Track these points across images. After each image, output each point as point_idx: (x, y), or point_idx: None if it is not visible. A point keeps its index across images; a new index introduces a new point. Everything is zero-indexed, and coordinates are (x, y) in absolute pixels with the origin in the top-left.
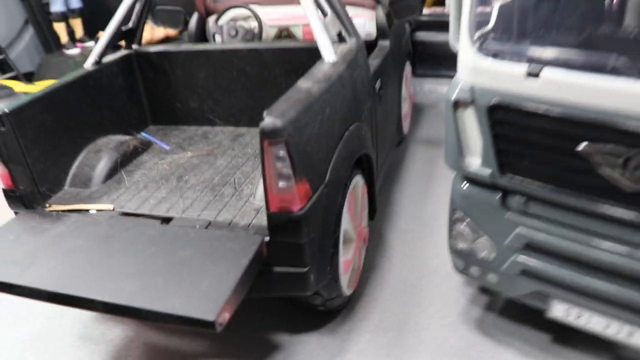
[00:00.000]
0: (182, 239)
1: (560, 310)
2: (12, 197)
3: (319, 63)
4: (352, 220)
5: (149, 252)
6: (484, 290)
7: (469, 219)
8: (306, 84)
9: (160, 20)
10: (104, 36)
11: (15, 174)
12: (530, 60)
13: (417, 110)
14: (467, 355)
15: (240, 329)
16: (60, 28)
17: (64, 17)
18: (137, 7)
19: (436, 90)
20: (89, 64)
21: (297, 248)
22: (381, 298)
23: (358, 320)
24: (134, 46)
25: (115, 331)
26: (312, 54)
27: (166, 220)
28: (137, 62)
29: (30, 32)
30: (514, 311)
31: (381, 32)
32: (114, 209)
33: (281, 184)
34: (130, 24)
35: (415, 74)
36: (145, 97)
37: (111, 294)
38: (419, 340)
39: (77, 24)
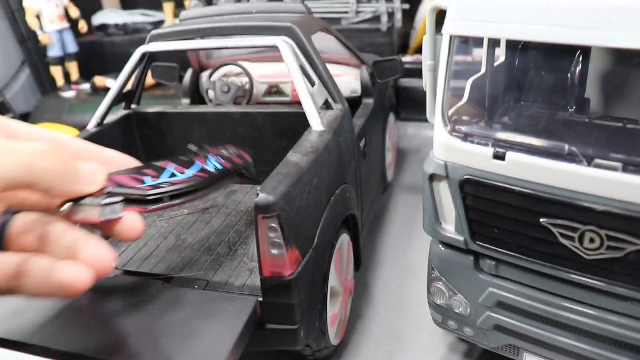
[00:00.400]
0: (182, 299)
1: None
2: None
3: (307, 133)
4: (338, 277)
5: (152, 312)
6: (463, 339)
7: (444, 279)
8: (295, 157)
9: (157, 75)
10: (106, 99)
11: None
12: (497, 144)
13: (401, 154)
14: None
15: None
16: (56, 71)
17: (61, 60)
18: (138, 71)
19: (420, 134)
20: (91, 126)
21: (288, 308)
22: (366, 347)
23: None
24: (133, 106)
25: None
26: (300, 118)
27: (167, 279)
28: (135, 122)
29: (26, 73)
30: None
31: (365, 91)
32: (117, 267)
33: (274, 251)
34: (130, 86)
35: (399, 118)
36: (143, 155)
37: (121, 356)
38: None
39: (73, 67)
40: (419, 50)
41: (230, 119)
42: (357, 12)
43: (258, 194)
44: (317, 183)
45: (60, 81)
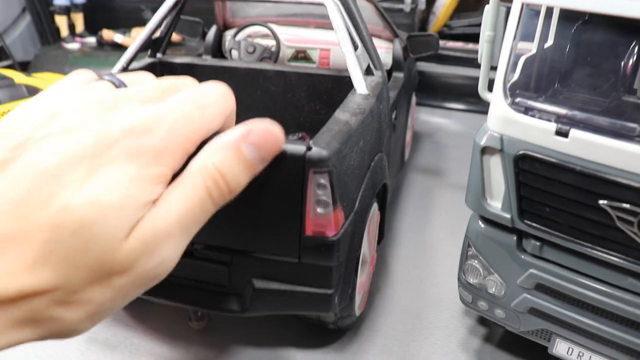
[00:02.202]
0: None
1: (563, 348)
2: None
3: (351, 95)
4: (369, 244)
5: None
6: (483, 321)
7: (482, 256)
8: (344, 115)
9: (179, 29)
10: (134, 44)
11: None
12: (559, 119)
13: (415, 137)
14: None
15: (250, 345)
16: (61, 21)
17: (67, 10)
18: (168, 18)
19: (431, 120)
20: (115, 71)
21: (327, 270)
22: (385, 323)
23: (364, 342)
24: (158, 55)
25: (119, 338)
26: (337, 82)
27: None
28: (160, 71)
29: (26, 21)
30: (511, 344)
31: (397, 65)
32: None
33: (319, 210)
34: (158, 34)
35: None
36: None
37: None
38: None
39: (79, 19)
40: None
41: (264, 76)
42: None
43: (309, 147)
44: (362, 145)
45: (64, 32)
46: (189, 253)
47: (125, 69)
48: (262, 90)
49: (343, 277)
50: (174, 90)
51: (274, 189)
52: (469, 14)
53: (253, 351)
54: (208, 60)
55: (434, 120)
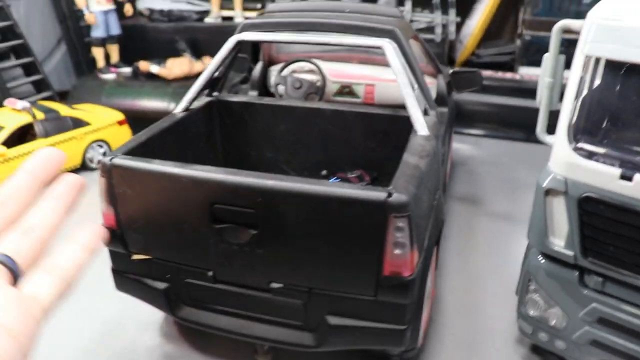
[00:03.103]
0: None
1: None
2: (112, 236)
3: (413, 136)
4: (432, 279)
5: None
6: (535, 350)
7: (544, 291)
8: (412, 159)
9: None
10: (197, 84)
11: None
12: (624, 164)
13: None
14: None
15: None
16: (98, 52)
17: (103, 42)
18: (227, 59)
19: (461, 148)
20: (179, 110)
21: (401, 308)
22: (441, 352)
23: None
24: (215, 94)
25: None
26: (392, 121)
27: None
28: (217, 109)
29: (61, 51)
30: None
31: (441, 100)
32: None
33: (397, 251)
34: (217, 73)
35: None
36: (220, 142)
37: None
38: None
39: (114, 50)
40: (465, 64)
41: (321, 115)
42: (411, 21)
43: (390, 193)
44: (429, 186)
45: (100, 62)
46: (267, 291)
47: (187, 109)
48: (320, 129)
49: (414, 313)
50: None
51: (354, 232)
52: (494, 43)
53: None
54: (265, 99)
55: (464, 147)
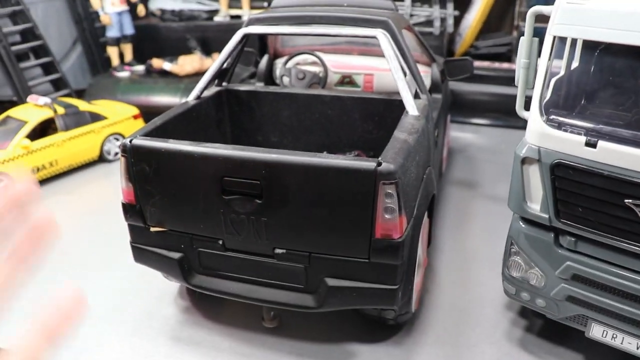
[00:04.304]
0: None
1: (598, 332)
2: (131, 211)
3: (404, 116)
4: (422, 248)
5: None
6: (523, 314)
7: (524, 253)
8: (402, 135)
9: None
10: (207, 74)
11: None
12: (588, 133)
13: (449, 153)
14: None
15: (319, 341)
16: (112, 51)
17: (117, 41)
18: (235, 51)
19: (462, 136)
20: (191, 98)
21: (393, 268)
22: (436, 318)
23: (418, 335)
24: (224, 84)
25: (202, 335)
26: (387, 104)
27: None
28: (226, 97)
29: (77, 52)
30: (550, 333)
31: (435, 87)
32: None
33: (387, 216)
34: (225, 65)
35: None
36: (229, 128)
37: None
38: (471, 353)
39: (128, 49)
40: (464, 55)
41: (321, 101)
42: (411, 15)
43: (379, 163)
44: (418, 160)
45: (115, 61)
46: (271, 257)
47: (198, 97)
48: (320, 114)
49: (405, 275)
50: None
51: (349, 199)
52: (492, 35)
53: (322, 346)
54: (270, 88)
55: (464, 135)
